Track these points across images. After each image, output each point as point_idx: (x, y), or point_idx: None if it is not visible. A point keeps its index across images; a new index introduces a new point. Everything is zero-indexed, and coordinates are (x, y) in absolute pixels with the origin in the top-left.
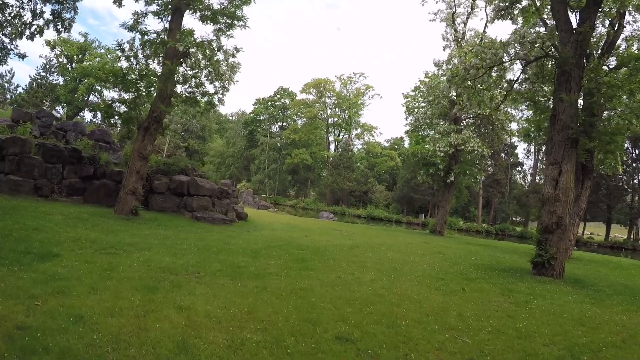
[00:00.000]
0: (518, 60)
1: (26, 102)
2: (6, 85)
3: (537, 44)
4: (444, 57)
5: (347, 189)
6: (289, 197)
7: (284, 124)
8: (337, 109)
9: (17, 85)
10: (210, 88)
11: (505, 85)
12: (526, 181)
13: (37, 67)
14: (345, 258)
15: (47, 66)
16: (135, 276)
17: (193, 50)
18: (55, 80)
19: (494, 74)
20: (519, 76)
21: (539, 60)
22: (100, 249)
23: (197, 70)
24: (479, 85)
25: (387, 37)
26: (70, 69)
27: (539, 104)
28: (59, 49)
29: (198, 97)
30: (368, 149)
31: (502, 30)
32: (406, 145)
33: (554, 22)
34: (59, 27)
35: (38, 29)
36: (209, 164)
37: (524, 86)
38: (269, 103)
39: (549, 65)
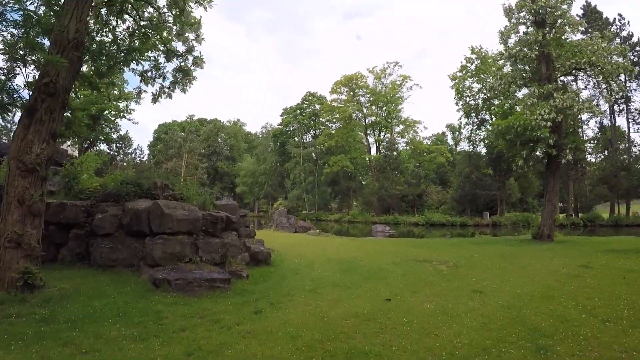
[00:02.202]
0: None
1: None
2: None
3: None
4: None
5: (397, 193)
6: (332, 211)
7: (317, 132)
8: (373, 107)
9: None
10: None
11: None
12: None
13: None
14: None
15: None
16: None
17: None
18: None
19: None
20: None
21: None
22: None
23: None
24: None
25: (408, 40)
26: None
27: None
28: None
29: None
30: (414, 146)
31: None
32: (449, 141)
33: None
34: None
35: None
36: (241, 185)
37: None
38: (298, 111)
39: None
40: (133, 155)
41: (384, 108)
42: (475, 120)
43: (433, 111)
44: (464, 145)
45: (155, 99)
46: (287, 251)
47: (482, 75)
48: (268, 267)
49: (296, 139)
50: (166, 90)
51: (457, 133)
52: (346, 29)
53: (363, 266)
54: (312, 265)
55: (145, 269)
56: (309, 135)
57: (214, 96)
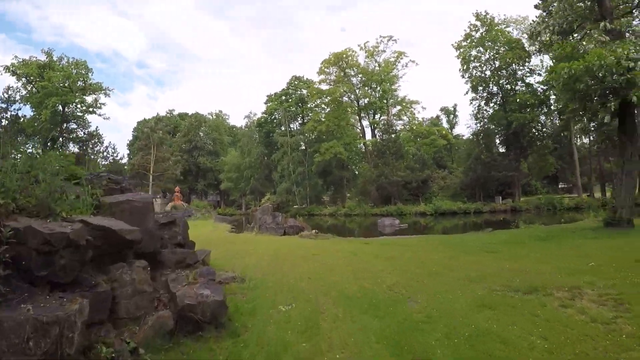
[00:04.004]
0: None
1: None
2: None
3: None
4: None
5: (399, 180)
6: (325, 204)
7: (305, 119)
8: (366, 87)
9: None
10: None
11: None
12: None
13: None
14: None
15: (7, 95)
16: None
17: None
18: (17, 110)
19: None
20: None
21: None
22: None
23: None
24: None
25: (392, 31)
26: (33, 91)
27: None
28: (21, 75)
29: None
30: (411, 128)
31: None
32: (444, 124)
33: None
34: None
35: None
36: (226, 181)
37: None
38: (283, 97)
39: None
40: (105, 153)
41: (377, 88)
42: (484, 94)
43: (424, 97)
44: (468, 126)
45: None
46: (267, 277)
47: (487, 44)
48: (216, 339)
49: (282, 127)
50: None
51: (452, 116)
52: (331, 23)
53: (429, 322)
54: (316, 324)
55: None
56: (297, 123)
57: (199, 94)
